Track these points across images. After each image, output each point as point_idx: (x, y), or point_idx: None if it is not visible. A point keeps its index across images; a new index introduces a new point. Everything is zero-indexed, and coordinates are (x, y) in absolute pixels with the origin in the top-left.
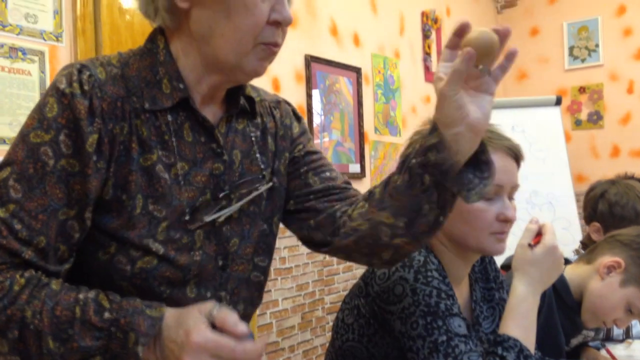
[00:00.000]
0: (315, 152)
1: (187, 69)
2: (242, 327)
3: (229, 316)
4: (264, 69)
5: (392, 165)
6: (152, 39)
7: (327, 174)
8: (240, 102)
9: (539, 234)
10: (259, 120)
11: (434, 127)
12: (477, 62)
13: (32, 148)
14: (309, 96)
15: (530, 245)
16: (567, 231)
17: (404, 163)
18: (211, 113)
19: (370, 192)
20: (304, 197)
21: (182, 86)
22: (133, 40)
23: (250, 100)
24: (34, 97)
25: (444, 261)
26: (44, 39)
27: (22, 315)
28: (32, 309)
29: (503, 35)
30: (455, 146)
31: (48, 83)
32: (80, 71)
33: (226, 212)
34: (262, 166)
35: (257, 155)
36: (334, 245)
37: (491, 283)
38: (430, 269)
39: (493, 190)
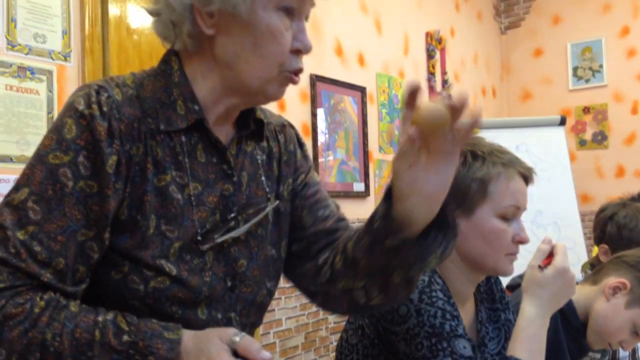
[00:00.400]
0: (314, 185)
1: (203, 91)
2: (265, 355)
3: (253, 344)
4: (283, 93)
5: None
6: (165, 60)
7: (321, 212)
8: (251, 124)
9: (550, 255)
10: (265, 143)
11: (387, 195)
12: (425, 139)
13: (50, 169)
14: (313, 115)
15: (540, 267)
16: (573, 251)
17: (369, 225)
18: (223, 134)
19: (345, 247)
20: (294, 242)
21: (197, 108)
22: (140, 60)
23: (259, 122)
24: (42, 116)
25: (450, 281)
26: (52, 58)
27: (42, 338)
28: (52, 331)
29: (456, 111)
30: (409, 218)
31: (56, 102)
32: (98, 92)
33: (237, 233)
34: (267, 189)
35: (263, 178)
36: (319, 301)
37: (497, 304)
38: (435, 289)
39: (512, 212)
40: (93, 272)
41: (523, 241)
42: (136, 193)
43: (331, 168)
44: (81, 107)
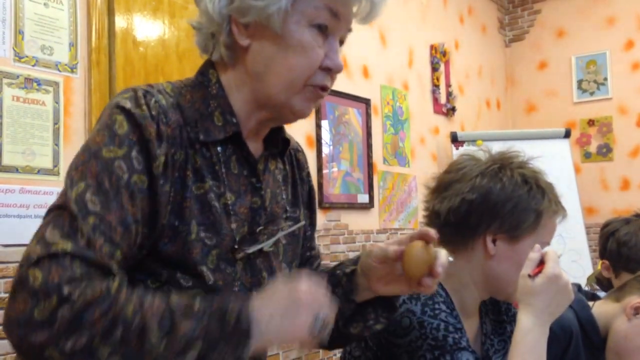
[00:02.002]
0: (311, 227)
1: (238, 104)
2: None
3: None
4: (310, 110)
5: (400, 197)
6: (203, 72)
7: (308, 253)
8: (279, 143)
9: (541, 263)
10: (281, 165)
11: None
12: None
13: (106, 162)
14: (318, 127)
15: (530, 276)
16: (577, 264)
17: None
18: (253, 149)
19: None
20: None
21: (235, 120)
22: (146, 72)
23: (285, 142)
24: (48, 127)
25: (458, 293)
26: (59, 70)
27: (124, 314)
28: (131, 307)
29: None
30: (359, 294)
31: (62, 113)
32: (145, 95)
33: (267, 245)
34: (288, 208)
35: (283, 197)
36: None
37: (502, 315)
38: (438, 302)
39: (544, 247)
40: (129, 281)
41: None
42: (176, 199)
43: (335, 179)
44: (129, 106)
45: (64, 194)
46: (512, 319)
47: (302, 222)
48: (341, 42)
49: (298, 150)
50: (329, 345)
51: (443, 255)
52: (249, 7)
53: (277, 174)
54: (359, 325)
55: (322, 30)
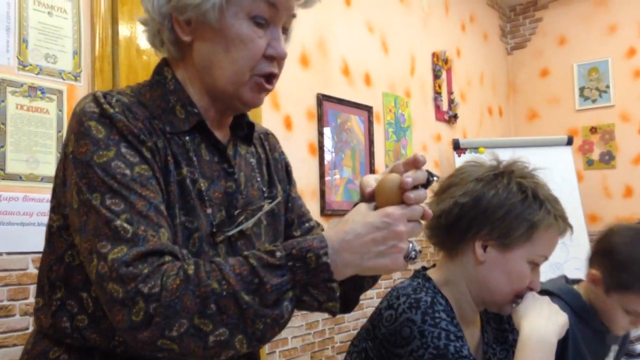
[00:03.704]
0: (299, 198)
1: (196, 95)
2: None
3: None
4: (260, 100)
5: None
6: (158, 71)
7: (307, 225)
8: (244, 127)
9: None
10: (253, 149)
11: None
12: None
13: (104, 168)
14: (320, 134)
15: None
16: (581, 271)
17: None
18: (220, 136)
19: None
20: None
21: (196, 110)
22: None
23: (250, 126)
24: (52, 135)
25: (456, 301)
26: (62, 78)
27: (211, 288)
28: (215, 279)
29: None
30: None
31: (65, 121)
32: (105, 96)
33: (245, 226)
34: (264, 189)
35: (258, 179)
36: None
37: (504, 324)
38: (438, 310)
39: (541, 261)
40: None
41: (534, 288)
42: (164, 184)
43: (338, 187)
44: (95, 109)
45: (85, 210)
46: (513, 328)
47: (279, 199)
48: (285, 30)
49: (267, 134)
50: (347, 309)
51: (411, 176)
52: (186, 5)
53: (249, 157)
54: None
55: (261, 22)
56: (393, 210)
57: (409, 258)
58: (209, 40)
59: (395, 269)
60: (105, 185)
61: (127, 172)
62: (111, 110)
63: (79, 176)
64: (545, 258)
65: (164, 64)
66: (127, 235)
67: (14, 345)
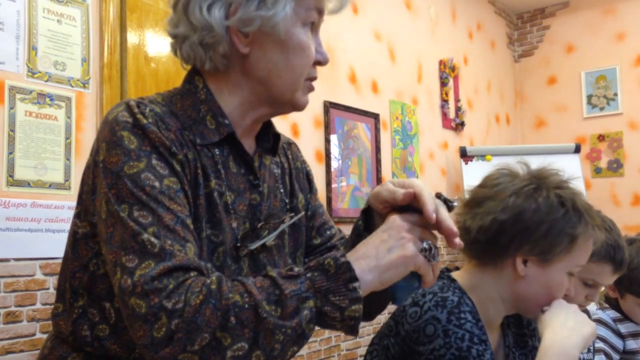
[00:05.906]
0: (320, 206)
1: (230, 106)
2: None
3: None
4: (307, 101)
5: None
6: (189, 80)
7: (328, 232)
8: (270, 138)
9: None
10: (277, 159)
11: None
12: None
13: (133, 179)
14: (327, 141)
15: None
16: None
17: (354, 230)
18: (247, 146)
19: None
20: (306, 255)
21: (227, 122)
22: (157, 88)
23: (276, 137)
24: (60, 142)
25: (484, 305)
26: (71, 85)
27: (233, 301)
28: (237, 292)
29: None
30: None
31: (74, 128)
32: (138, 106)
33: (268, 239)
34: (287, 201)
35: (282, 190)
36: None
37: (524, 329)
38: (464, 311)
39: (577, 271)
40: None
41: (569, 294)
42: (192, 197)
43: (344, 194)
44: (129, 119)
45: (112, 222)
46: (532, 333)
47: (302, 213)
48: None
49: (290, 144)
50: (370, 316)
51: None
52: (254, 18)
53: (274, 168)
54: None
55: (311, 28)
56: (393, 217)
57: (425, 251)
58: (269, 50)
59: (411, 259)
60: (133, 196)
61: (157, 184)
62: (144, 121)
63: (108, 186)
64: (580, 267)
65: (194, 73)
66: (155, 249)
67: (21, 351)
